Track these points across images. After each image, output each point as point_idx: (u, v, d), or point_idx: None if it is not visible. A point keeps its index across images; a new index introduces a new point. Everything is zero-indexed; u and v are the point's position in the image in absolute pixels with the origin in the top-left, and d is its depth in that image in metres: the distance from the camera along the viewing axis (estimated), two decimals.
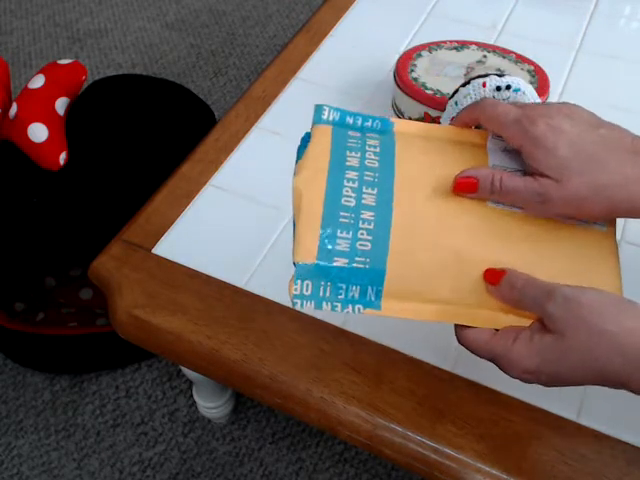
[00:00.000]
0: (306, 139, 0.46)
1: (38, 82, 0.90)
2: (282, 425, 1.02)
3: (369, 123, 0.46)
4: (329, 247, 0.42)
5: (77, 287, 1.09)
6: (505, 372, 0.40)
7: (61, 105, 0.91)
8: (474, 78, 0.61)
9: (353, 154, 0.44)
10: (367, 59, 0.82)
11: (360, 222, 0.42)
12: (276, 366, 0.55)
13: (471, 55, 0.73)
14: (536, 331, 0.39)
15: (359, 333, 0.57)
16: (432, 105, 0.68)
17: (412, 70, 0.71)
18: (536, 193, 0.41)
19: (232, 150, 0.72)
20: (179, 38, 1.70)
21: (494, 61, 0.72)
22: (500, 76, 0.61)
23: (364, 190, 0.42)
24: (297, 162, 0.45)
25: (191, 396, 1.04)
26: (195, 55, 1.65)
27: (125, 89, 1.03)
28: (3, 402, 1.05)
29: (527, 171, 0.43)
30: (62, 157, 0.89)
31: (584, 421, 0.52)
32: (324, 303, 0.42)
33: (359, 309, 0.42)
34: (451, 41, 0.75)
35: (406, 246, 0.42)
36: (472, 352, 0.41)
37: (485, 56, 0.73)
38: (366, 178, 0.43)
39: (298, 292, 0.42)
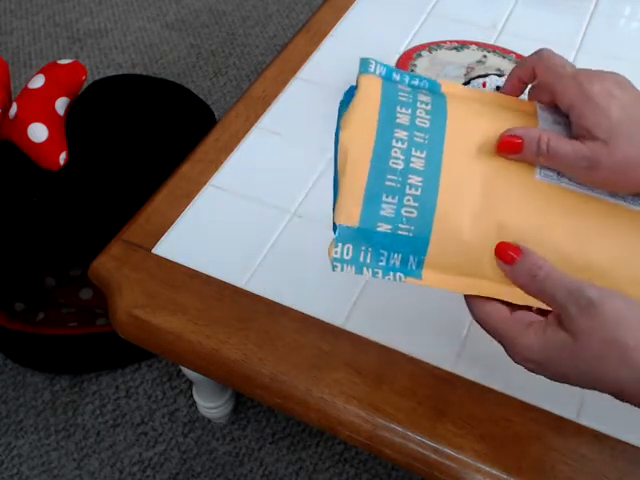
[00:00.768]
0: (350, 93, 0.43)
1: (38, 82, 0.90)
2: (282, 425, 1.02)
3: (416, 82, 0.44)
4: (373, 211, 0.40)
5: (77, 287, 1.09)
6: (510, 356, 0.39)
7: (61, 105, 0.91)
8: (474, 78, 0.62)
9: (404, 110, 0.41)
10: None
11: (407, 187, 0.40)
12: (276, 366, 0.55)
13: (471, 55, 0.73)
14: (551, 324, 0.38)
15: (359, 333, 0.57)
16: None
17: (412, 70, 0.71)
18: (584, 157, 0.40)
19: (232, 150, 0.72)
20: (179, 38, 1.70)
21: (494, 61, 0.73)
22: (500, 76, 0.61)
23: (413, 153, 0.40)
24: (341, 115, 0.42)
25: (191, 396, 1.04)
26: (195, 55, 1.65)
27: (125, 89, 1.03)
28: (3, 402, 1.05)
29: (575, 135, 0.41)
30: (62, 157, 0.89)
31: (584, 421, 0.52)
32: (364, 269, 0.40)
33: (400, 277, 0.40)
34: (451, 41, 0.75)
35: (451, 217, 0.40)
36: (482, 327, 0.40)
37: (485, 56, 0.73)
38: (416, 139, 0.41)
39: (338, 256, 0.40)
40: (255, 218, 0.65)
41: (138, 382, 1.07)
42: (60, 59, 0.97)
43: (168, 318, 0.58)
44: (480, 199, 0.41)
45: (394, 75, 0.44)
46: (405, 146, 0.40)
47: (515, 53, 0.73)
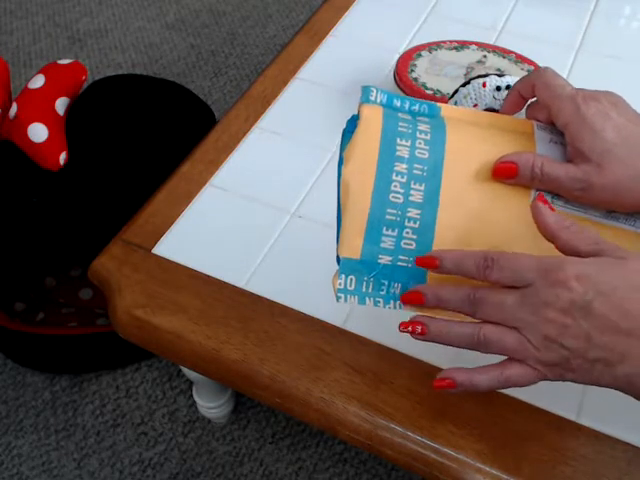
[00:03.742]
0: (352, 122, 0.44)
1: (38, 82, 0.90)
2: (282, 425, 1.02)
3: (416, 107, 0.45)
4: (374, 244, 0.42)
5: (77, 287, 1.09)
6: (554, 281, 0.36)
7: (61, 105, 0.91)
8: (474, 78, 0.62)
9: (403, 142, 0.42)
10: (367, 59, 0.82)
11: (406, 220, 0.41)
12: (276, 366, 0.55)
13: (471, 55, 0.73)
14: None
15: (359, 333, 0.57)
16: None
17: (412, 70, 0.71)
18: (577, 179, 0.41)
19: (232, 150, 0.72)
20: (179, 38, 1.70)
21: (494, 61, 0.73)
22: (500, 76, 0.61)
23: (412, 186, 0.42)
24: (344, 147, 0.43)
25: (191, 396, 1.04)
26: (195, 55, 1.65)
27: (125, 89, 1.03)
28: (3, 402, 1.05)
29: (569, 155, 0.42)
30: (62, 157, 0.89)
31: (584, 421, 0.52)
32: (367, 298, 0.42)
33: (400, 305, 0.43)
34: (451, 41, 0.75)
35: (449, 246, 0.42)
36: (517, 266, 0.38)
37: (485, 56, 0.73)
38: (415, 172, 0.42)
39: (342, 286, 0.42)
40: (255, 218, 0.65)
41: (138, 382, 1.07)
42: (60, 59, 0.97)
43: (168, 318, 0.58)
44: (476, 227, 0.42)
45: (395, 102, 0.45)
46: (405, 180, 0.42)
47: (515, 53, 0.73)
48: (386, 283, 0.42)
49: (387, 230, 0.42)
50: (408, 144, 0.42)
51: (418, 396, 0.53)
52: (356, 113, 0.44)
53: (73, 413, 1.04)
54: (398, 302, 0.42)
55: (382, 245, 0.42)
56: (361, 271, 0.42)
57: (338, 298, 0.42)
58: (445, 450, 0.50)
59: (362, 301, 0.42)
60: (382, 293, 0.42)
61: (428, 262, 0.41)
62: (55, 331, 1.00)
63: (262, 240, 0.63)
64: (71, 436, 1.01)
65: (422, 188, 0.42)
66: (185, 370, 0.84)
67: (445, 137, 0.43)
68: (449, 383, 0.41)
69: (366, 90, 0.44)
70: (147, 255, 0.63)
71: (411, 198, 0.42)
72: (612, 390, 0.39)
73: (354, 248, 0.42)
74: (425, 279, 0.42)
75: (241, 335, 0.57)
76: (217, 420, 1.01)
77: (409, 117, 0.44)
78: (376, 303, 0.42)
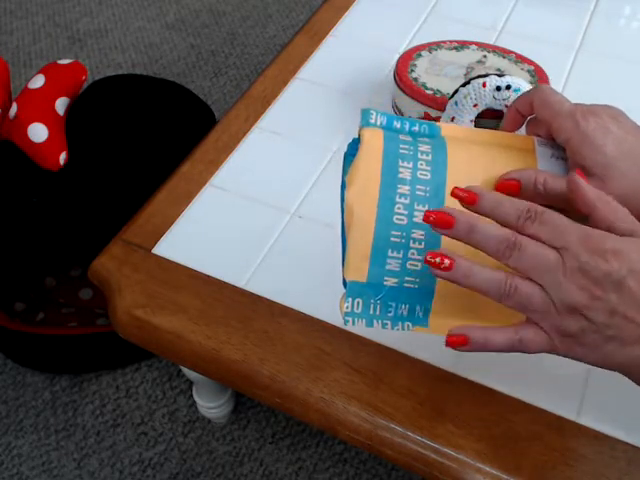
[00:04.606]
0: (353, 146, 0.45)
1: (38, 82, 0.90)
2: (282, 425, 1.02)
3: (416, 128, 0.45)
4: (380, 267, 0.42)
5: (77, 287, 1.09)
6: (586, 245, 0.36)
7: (61, 105, 0.91)
8: (474, 78, 0.62)
9: (405, 164, 0.43)
10: (367, 59, 0.82)
11: (411, 241, 0.42)
12: (276, 366, 0.55)
13: (471, 55, 0.73)
14: None
15: (359, 333, 0.57)
16: (432, 105, 0.68)
17: (412, 70, 0.71)
18: None
19: (232, 150, 0.72)
20: (179, 38, 1.70)
21: (494, 61, 0.72)
22: (500, 76, 0.61)
23: (415, 207, 0.42)
24: (346, 171, 0.44)
25: (191, 396, 1.04)
26: (195, 55, 1.65)
27: (125, 89, 1.03)
28: (3, 402, 1.05)
29: (572, 169, 0.42)
30: (62, 157, 0.89)
31: (584, 421, 0.52)
32: (374, 321, 0.43)
33: (408, 326, 0.43)
34: (451, 41, 0.75)
35: None
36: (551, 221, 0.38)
37: (485, 56, 0.73)
38: (418, 193, 0.42)
39: (349, 310, 0.42)
40: (255, 218, 0.65)
41: (138, 382, 1.07)
42: (60, 59, 0.97)
43: (168, 318, 0.58)
44: None
45: (395, 123, 0.45)
46: (408, 201, 0.42)
47: (515, 53, 0.73)
48: (393, 305, 0.42)
49: (392, 252, 0.42)
50: (410, 166, 0.43)
51: (418, 396, 0.53)
52: (357, 137, 0.45)
53: (73, 413, 1.04)
54: (406, 323, 0.43)
55: (388, 267, 0.42)
56: (368, 294, 0.42)
57: (346, 322, 0.42)
58: (445, 450, 0.50)
59: (370, 324, 0.42)
60: (390, 315, 0.43)
61: (465, 198, 0.39)
62: (55, 331, 1.00)
63: (262, 240, 0.63)
64: (71, 436, 1.01)
65: (425, 209, 0.42)
66: (185, 370, 0.84)
67: (446, 157, 0.44)
68: (463, 339, 0.40)
69: (366, 113, 0.45)
70: (147, 255, 0.63)
71: (415, 219, 0.42)
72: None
73: (360, 271, 0.42)
74: (431, 300, 0.42)
75: (241, 335, 0.57)
76: (217, 420, 1.01)
77: (410, 138, 0.44)
78: (384, 325, 0.42)
